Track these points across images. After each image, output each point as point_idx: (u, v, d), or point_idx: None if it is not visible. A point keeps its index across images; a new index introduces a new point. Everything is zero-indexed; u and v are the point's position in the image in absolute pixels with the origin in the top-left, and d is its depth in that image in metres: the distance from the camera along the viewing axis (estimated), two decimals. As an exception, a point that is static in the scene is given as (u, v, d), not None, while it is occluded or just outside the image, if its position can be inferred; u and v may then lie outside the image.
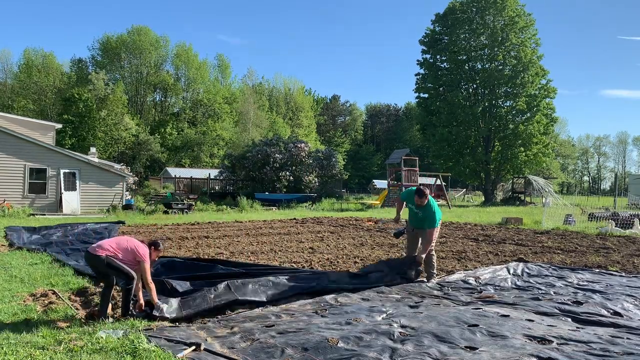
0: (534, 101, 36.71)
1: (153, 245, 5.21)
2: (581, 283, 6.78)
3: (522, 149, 36.91)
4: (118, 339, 4.11)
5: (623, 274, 7.57)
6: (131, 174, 31.90)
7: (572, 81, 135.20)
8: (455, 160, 38.95)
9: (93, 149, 29.79)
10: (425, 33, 40.93)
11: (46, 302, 5.44)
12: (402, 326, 4.50)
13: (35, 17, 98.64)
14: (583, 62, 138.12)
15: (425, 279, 6.98)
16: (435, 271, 7.08)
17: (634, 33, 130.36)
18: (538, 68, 37.09)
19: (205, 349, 3.90)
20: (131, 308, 4.96)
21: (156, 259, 5.45)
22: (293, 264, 8.24)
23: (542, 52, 38.78)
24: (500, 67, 37.85)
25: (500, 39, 37.28)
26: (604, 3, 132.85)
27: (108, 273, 4.95)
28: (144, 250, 5.03)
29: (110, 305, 5.07)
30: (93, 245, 5.10)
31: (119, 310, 4.99)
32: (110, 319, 4.77)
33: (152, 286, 4.99)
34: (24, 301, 5.55)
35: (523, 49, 36.67)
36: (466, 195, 49.33)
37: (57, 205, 21.07)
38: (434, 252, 7.11)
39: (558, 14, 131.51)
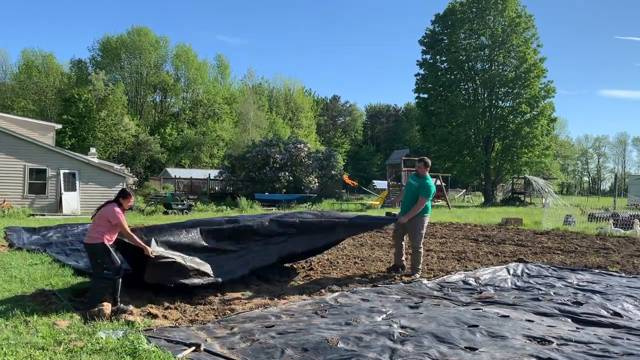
0: (535, 102, 36.69)
1: (121, 196, 5.44)
2: (581, 283, 6.78)
3: (524, 149, 36.89)
4: (118, 339, 4.11)
5: (623, 274, 7.56)
6: (131, 174, 31.92)
7: (572, 81, 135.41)
8: (455, 160, 38.92)
9: (93, 150, 29.84)
10: (425, 33, 40.90)
11: (46, 302, 5.43)
12: (402, 327, 4.50)
13: (35, 17, 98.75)
14: (582, 62, 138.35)
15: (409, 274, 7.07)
16: (419, 267, 7.09)
17: (633, 33, 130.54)
18: (539, 70, 37.07)
19: (205, 350, 3.90)
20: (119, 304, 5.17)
21: (131, 204, 5.67)
22: (293, 265, 8.25)
23: (542, 52, 38.81)
24: (501, 67, 37.82)
25: (500, 39, 37.24)
26: (603, 3, 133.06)
27: (103, 261, 5.21)
28: (113, 212, 5.25)
29: (109, 305, 5.06)
30: (87, 236, 5.37)
31: (118, 310, 4.98)
32: (108, 319, 4.76)
33: (133, 234, 5.36)
34: (24, 301, 5.54)
35: (524, 51, 36.64)
36: (466, 196, 49.26)
37: (57, 206, 21.07)
38: (422, 249, 7.13)
39: (557, 14, 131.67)
